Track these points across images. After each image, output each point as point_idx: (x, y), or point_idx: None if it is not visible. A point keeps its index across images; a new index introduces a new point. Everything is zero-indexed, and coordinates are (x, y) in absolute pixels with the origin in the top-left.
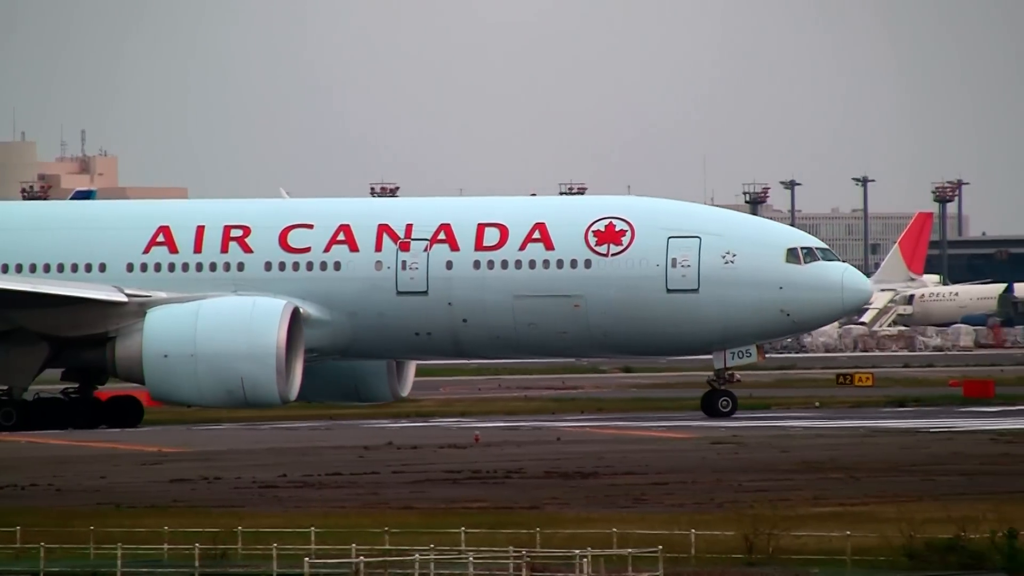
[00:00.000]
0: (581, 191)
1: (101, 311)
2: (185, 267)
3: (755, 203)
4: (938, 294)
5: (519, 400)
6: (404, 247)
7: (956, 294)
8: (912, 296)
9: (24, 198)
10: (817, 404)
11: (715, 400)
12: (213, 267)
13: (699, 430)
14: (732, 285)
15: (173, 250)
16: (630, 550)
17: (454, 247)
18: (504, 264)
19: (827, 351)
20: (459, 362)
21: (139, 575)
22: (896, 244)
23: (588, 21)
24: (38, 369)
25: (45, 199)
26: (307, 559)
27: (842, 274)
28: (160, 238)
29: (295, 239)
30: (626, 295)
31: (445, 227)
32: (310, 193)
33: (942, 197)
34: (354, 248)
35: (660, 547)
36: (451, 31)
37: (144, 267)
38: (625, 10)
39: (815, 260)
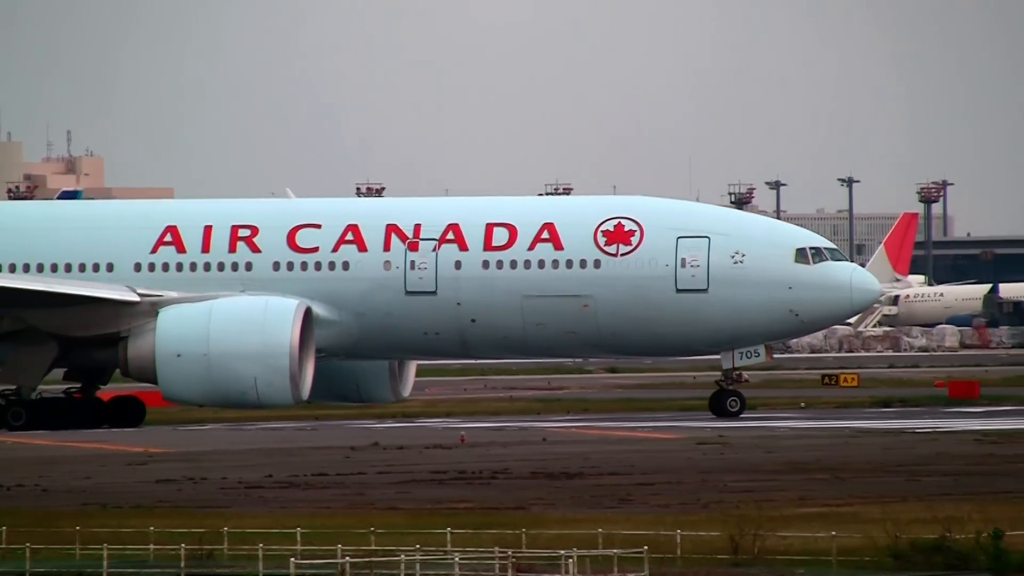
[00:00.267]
0: (567, 191)
1: (113, 311)
2: (193, 267)
3: (740, 203)
4: (923, 295)
5: (505, 401)
6: (413, 247)
7: (941, 295)
8: (897, 297)
9: (10, 198)
10: (802, 405)
11: (723, 400)
12: (221, 267)
13: (685, 430)
14: (741, 285)
15: (181, 250)
16: (616, 550)
17: (463, 247)
18: (513, 264)
19: (812, 352)
20: (444, 362)
21: None
22: (881, 245)
23: (573, 22)
24: (47, 369)
25: (31, 199)
26: (293, 559)
27: (851, 274)
28: (168, 238)
29: (303, 239)
30: (635, 295)
31: (454, 227)
32: (300, 193)
33: (927, 198)
34: (362, 248)
35: (646, 547)
36: (436, 32)
37: (152, 267)
38: (610, 11)
39: (824, 260)
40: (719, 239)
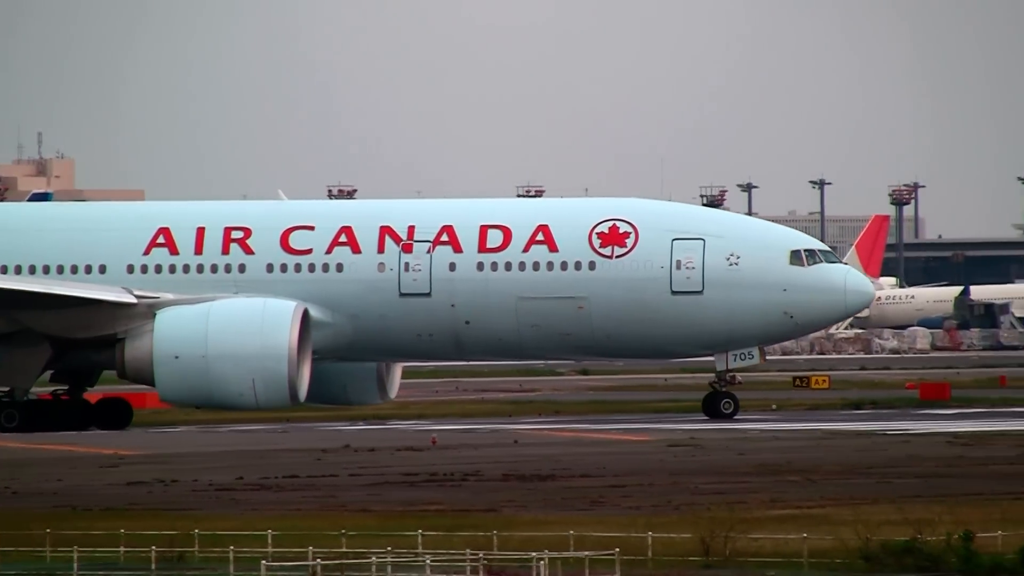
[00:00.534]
0: (539, 193)
1: (110, 312)
2: (186, 268)
3: (712, 205)
4: (894, 297)
5: (476, 403)
6: (407, 249)
7: (912, 297)
8: None
9: None
10: (774, 407)
11: (717, 402)
12: (214, 268)
13: (657, 432)
14: (736, 287)
15: (173, 251)
16: (587, 553)
17: (457, 249)
18: (508, 266)
19: (784, 354)
20: (415, 364)
21: None
22: (853, 247)
23: (545, 23)
24: (40, 370)
25: (2, 201)
26: (264, 562)
27: (845, 276)
28: (160, 239)
29: (296, 241)
30: (630, 297)
31: (448, 228)
32: (270, 195)
33: (899, 200)
34: (356, 250)
35: (617, 550)
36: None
37: (144, 268)
38: (583, 13)
39: (818, 262)
40: (714, 241)
